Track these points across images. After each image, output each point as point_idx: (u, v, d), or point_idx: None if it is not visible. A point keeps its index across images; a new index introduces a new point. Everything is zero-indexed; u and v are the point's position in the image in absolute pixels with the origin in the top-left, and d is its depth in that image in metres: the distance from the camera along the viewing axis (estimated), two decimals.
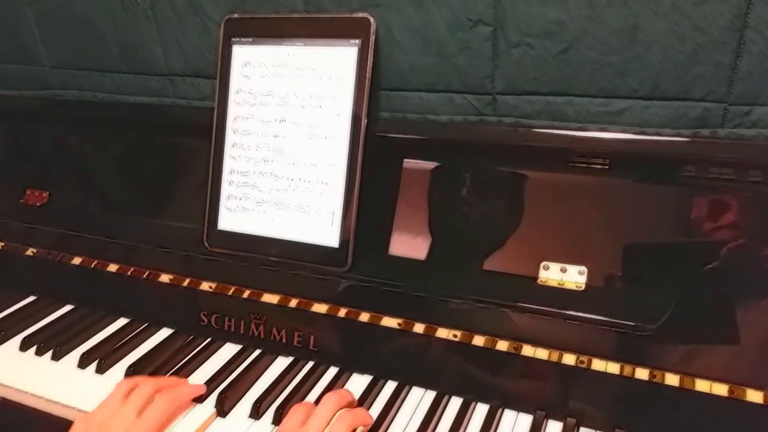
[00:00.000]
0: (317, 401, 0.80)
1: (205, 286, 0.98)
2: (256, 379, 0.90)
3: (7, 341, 1.00)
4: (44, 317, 1.07)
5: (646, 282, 0.79)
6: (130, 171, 1.11)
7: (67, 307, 1.09)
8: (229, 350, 0.96)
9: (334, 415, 0.75)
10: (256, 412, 0.83)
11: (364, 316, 0.88)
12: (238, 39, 0.95)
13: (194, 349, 0.96)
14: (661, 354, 0.75)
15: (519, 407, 0.82)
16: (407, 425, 0.81)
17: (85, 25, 1.09)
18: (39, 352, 0.97)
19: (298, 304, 0.92)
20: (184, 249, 1.00)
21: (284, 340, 0.94)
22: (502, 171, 0.86)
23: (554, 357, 0.78)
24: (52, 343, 0.98)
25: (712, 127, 0.78)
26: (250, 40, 0.94)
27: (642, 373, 0.75)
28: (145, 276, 1.02)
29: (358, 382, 0.89)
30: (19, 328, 1.03)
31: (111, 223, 1.08)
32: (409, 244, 0.89)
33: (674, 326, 0.75)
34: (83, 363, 0.94)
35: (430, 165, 0.89)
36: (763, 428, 0.71)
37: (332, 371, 0.91)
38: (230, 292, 0.96)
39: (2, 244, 1.15)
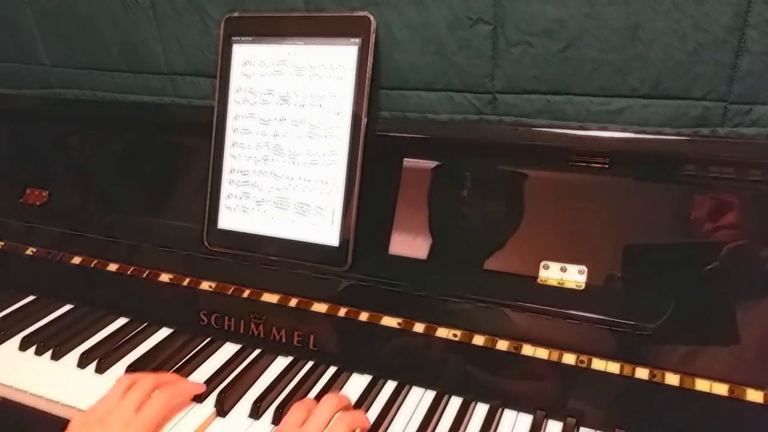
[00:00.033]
0: (317, 399, 0.79)
1: (205, 285, 0.98)
2: (256, 379, 0.90)
3: (6, 341, 1.00)
4: (44, 317, 1.07)
5: (646, 281, 0.78)
6: (130, 170, 1.11)
7: (67, 307, 1.09)
8: (228, 350, 0.96)
9: (333, 416, 0.75)
10: (256, 412, 0.83)
11: (364, 316, 0.88)
12: (238, 38, 0.95)
13: (194, 349, 0.96)
14: (661, 353, 0.75)
15: (519, 407, 0.82)
16: (407, 425, 0.81)
17: (85, 24, 1.09)
18: (38, 352, 0.97)
19: (297, 303, 0.92)
20: (184, 248, 1.00)
21: (284, 340, 0.93)
22: (502, 170, 0.86)
23: (554, 356, 0.78)
24: (52, 342, 0.98)
25: (712, 126, 0.78)
26: (250, 39, 0.94)
27: (642, 373, 0.74)
28: (144, 275, 1.02)
29: (357, 382, 0.89)
30: (19, 328, 1.03)
31: (111, 222, 1.08)
32: (409, 244, 0.88)
33: (674, 326, 0.74)
34: (83, 362, 0.94)
35: (430, 164, 0.89)
36: (764, 428, 0.71)
37: (332, 371, 0.91)
38: (230, 292, 0.96)
39: (2, 243, 1.15)
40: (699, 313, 0.75)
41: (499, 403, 0.82)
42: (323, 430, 0.73)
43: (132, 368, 0.91)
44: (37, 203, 1.15)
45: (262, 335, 0.95)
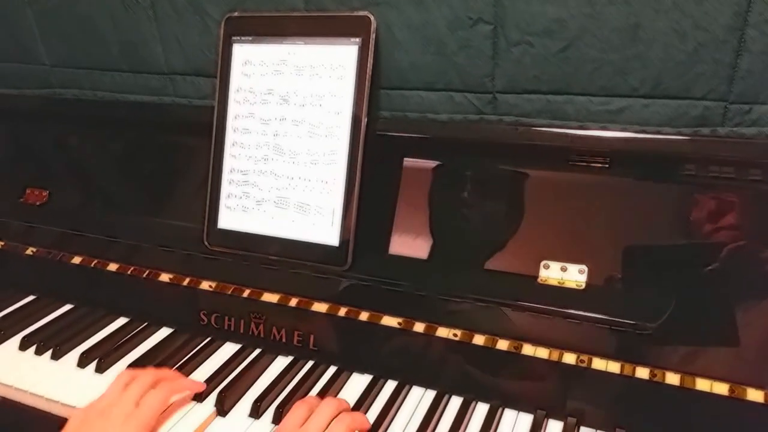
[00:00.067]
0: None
1: (205, 285, 0.98)
2: (256, 379, 0.90)
3: (6, 340, 1.00)
4: (44, 316, 1.06)
5: (646, 281, 0.78)
6: (130, 170, 1.11)
7: (67, 307, 1.09)
8: (228, 349, 0.96)
9: (333, 417, 0.75)
10: (256, 412, 0.83)
11: (364, 316, 0.88)
12: (238, 38, 0.95)
13: (194, 349, 0.96)
14: (662, 353, 0.75)
15: (519, 407, 0.82)
16: (407, 425, 0.81)
17: (85, 24, 1.09)
18: (38, 352, 0.97)
19: (298, 303, 0.92)
20: (184, 248, 1.00)
21: (284, 340, 0.93)
22: (503, 170, 0.86)
23: (554, 356, 0.78)
24: (52, 342, 0.98)
25: (712, 125, 0.78)
26: (250, 38, 0.94)
27: (642, 372, 0.74)
28: (144, 275, 1.02)
29: (358, 382, 0.89)
30: (19, 328, 1.03)
31: (111, 222, 1.08)
32: (409, 243, 0.88)
33: (675, 325, 0.74)
34: (83, 362, 0.93)
35: (431, 164, 0.89)
36: (764, 427, 0.71)
37: (332, 371, 0.91)
38: (230, 291, 0.96)
39: (2, 243, 1.15)
40: (699, 312, 0.75)
41: (499, 403, 0.82)
42: (323, 431, 0.73)
43: (132, 368, 0.91)
44: (38, 203, 1.15)
45: (262, 335, 0.95)
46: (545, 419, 0.80)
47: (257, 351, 0.95)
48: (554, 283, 0.80)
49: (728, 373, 0.72)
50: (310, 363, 0.92)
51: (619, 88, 0.80)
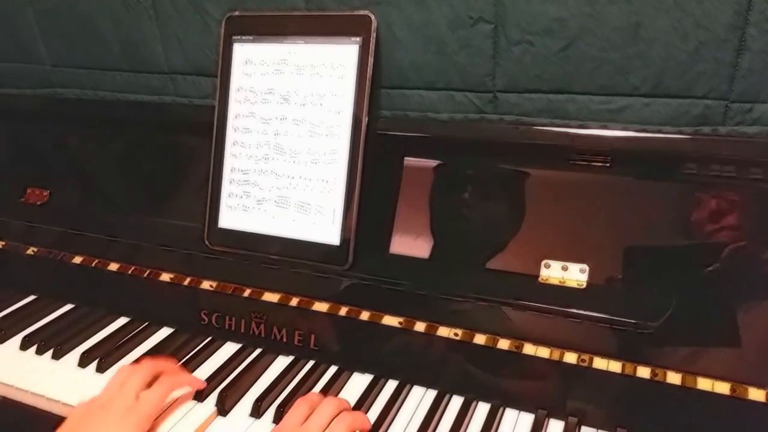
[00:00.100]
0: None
1: (206, 284, 0.98)
2: (257, 378, 0.90)
3: (7, 340, 1.00)
4: (45, 316, 1.06)
5: (647, 280, 0.78)
6: (131, 169, 1.11)
7: (68, 306, 1.09)
8: (229, 349, 0.96)
9: (334, 417, 0.75)
10: (257, 411, 0.83)
11: (365, 315, 0.88)
12: (238, 37, 0.95)
13: (195, 348, 0.96)
14: (663, 352, 0.75)
15: (520, 406, 0.82)
16: (408, 424, 0.81)
17: (85, 24, 1.09)
18: (39, 351, 0.97)
19: (298, 302, 0.92)
20: (184, 247, 1.00)
21: (285, 339, 0.93)
22: (503, 169, 0.86)
23: (556, 355, 0.78)
24: (53, 342, 0.98)
25: (713, 124, 0.78)
26: (250, 38, 0.94)
27: (644, 372, 0.74)
28: (145, 275, 1.02)
29: (358, 381, 0.89)
30: (20, 327, 1.03)
31: (112, 221, 1.08)
32: (410, 242, 0.88)
33: (676, 324, 0.74)
34: (84, 362, 0.93)
35: (431, 163, 0.89)
36: (765, 427, 0.71)
37: (333, 370, 0.91)
38: (231, 291, 0.96)
39: (3, 243, 1.15)
40: (701, 311, 0.75)
41: (500, 403, 0.82)
42: (324, 430, 0.73)
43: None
44: (38, 203, 1.15)
45: (262, 334, 0.95)
46: (546, 419, 0.80)
47: (258, 351, 0.95)
48: (555, 282, 0.80)
49: (730, 373, 0.72)
50: (311, 363, 0.92)
51: (620, 87, 0.80)
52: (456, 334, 0.83)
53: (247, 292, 0.95)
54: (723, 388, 0.71)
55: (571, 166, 0.81)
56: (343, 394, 0.86)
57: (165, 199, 1.07)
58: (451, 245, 0.88)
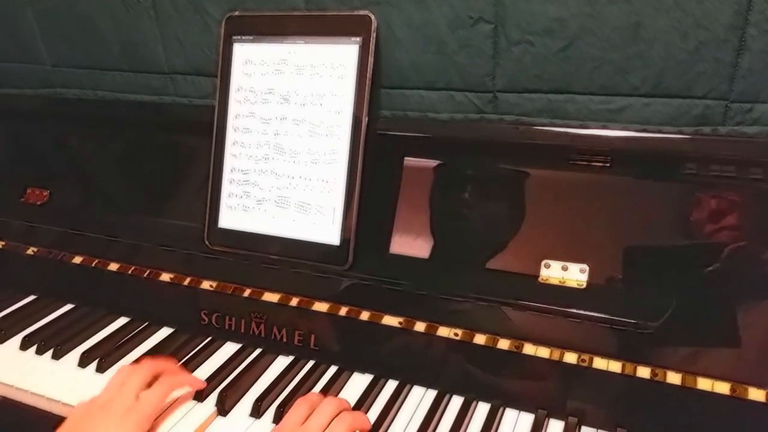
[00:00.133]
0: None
1: (206, 284, 0.98)
2: (257, 378, 0.90)
3: (7, 340, 1.00)
4: (45, 316, 1.06)
5: (647, 280, 0.78)
6: (131, 169, 1.11)
7: (68, 306, 1.09)
8: (229, 349, 0.96)
9: (334, 417, 0.75)
10: (257, 411, 0.83)
11: (365, 315, 0.88)
12: (238, 37, 0.95)
13: (195, 348, 0.96)
14: (663, 352, 0.75)
15: (520, 406, 0.82)
16: (408, 424, 0.81)
17: (85, 24, 1.09)
18: (39, 351, 0.97)
19: (298, 302, 0.92)
20: (184, 247, 1.00)
21: (285, 339, 0.93)
22: (503, 169, 0.86)
23: (555, 355, 0.78)
24: (53, 342, 0.98)
25: (713, 124, 0.78)
26: (251, 38, 0.94)
27: (644, 372, 0.74)
28: (145, 275, 1.02)
29: (358, 382, 0.89)
30: (20, 327, 1.03)
31: (112, 221, 1.08)
32: (410, 242, 0.88)
33: (676, 324, 0.74)
34: (84, 362, 0.93)
35: (431, 163, 0.89)
36: (765, 427, 0.71)
37: (333, 370, 0.91)
38: (231, 291, 0.96)
39: (3, 243, 1.15)
40: (701, 311, 0.75)
41: (500, 403, 0.82)
42: (324, 430, 0.73)
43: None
44: (38, 203, 1.15)
45: (262, 335, 0.95)
46: (546, 419, 0.80)
47: (258, 351, 0.95)
48: (555, 282, 0.80)
49: (729, 373, 0.72)
50: (311, 362, 0.92)
51: (619, 87, 0.80)
52: (456, 334, 0.83)
53: (247, 292, 0.95)
54: (723, 388, 0.71)
55: (571, 166, 0.81)
56: (343, 394, 0.86)
57: (165, 199, 1.07)
58: (451, 245, 0.88)
